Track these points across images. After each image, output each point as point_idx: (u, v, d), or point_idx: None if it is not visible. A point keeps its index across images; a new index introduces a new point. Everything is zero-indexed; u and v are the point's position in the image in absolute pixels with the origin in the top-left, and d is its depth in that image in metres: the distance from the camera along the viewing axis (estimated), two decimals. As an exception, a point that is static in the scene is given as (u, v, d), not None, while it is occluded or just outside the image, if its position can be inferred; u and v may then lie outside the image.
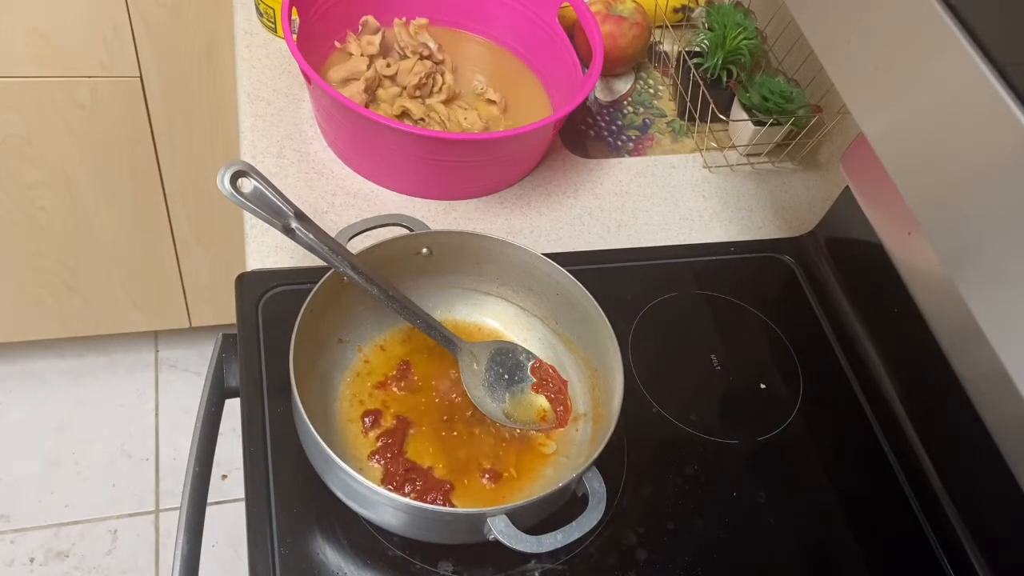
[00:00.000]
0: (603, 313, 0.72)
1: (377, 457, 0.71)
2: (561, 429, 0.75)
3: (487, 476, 0.71)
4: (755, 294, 0.92)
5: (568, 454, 0.74)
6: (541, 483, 0.72)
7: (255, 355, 0.77)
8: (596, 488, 0.65)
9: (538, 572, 0.71)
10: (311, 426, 0.63)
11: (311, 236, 0.69)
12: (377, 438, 0.72)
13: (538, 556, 0.71)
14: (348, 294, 0.73)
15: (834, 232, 0.94)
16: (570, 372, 0.78)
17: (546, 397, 0.76)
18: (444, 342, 0.75)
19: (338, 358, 0.76)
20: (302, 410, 0.63)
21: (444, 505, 0.69)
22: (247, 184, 0.68)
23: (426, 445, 0.73)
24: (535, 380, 0.76)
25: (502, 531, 0.62)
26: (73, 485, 1.61)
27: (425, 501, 0.69)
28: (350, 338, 0.76)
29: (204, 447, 0.76)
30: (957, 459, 0.78)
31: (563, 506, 0.68)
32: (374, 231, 0.77)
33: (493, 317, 0.81)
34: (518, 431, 0.74)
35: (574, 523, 0.63)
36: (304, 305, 0.69)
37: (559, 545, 0.63)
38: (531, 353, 0.78)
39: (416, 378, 0.76)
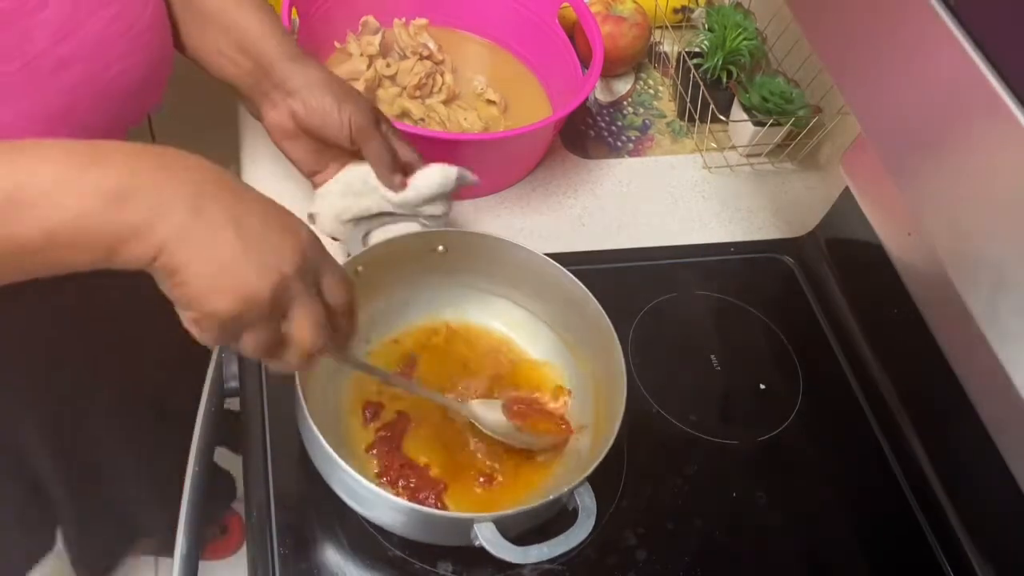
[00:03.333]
0: (611, 323, 0.71)
1: (375, 450, 0.71)
2: (566, 438, 0.75)
3: (482, 479, 0.71)
4: (755, 295, 0.92)
5: (567, 464, 0.74)
6: (535, 492, 0.71)
7: (255, 355, 0.77)
8: (587, 504, 0.65)
9: (537, 572, 0.71)
10: (309, 415, 0.62)
11: None
12: (376, 431, 0.72)
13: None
14: (369, 277, 0.73)
15: (834, 233, 0.94)
16: (574, 382, 0.78)
17: (539, 423, 0.75)
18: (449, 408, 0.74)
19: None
20: (302, 399, 0.63)
21: (436, 504, 0.69)
22: None
23: (425, 443, 0.73)
24: (519, 424, 0.74)
25: (488, 539, 0.61)
26: (73, 485, 1.60)
27: (417, 499, 0.68)
28: None
29: (204, 447, 0.76)
30: (957, 459, 0.78)
31: (554, 516, 0.68)
32: (387, 227, 0.77)
33: (502, 322, 0.81)
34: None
35: (561, 536, 0.63)
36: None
37: (543, 558, 0.62)
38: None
39: (420, 376, 0.76)
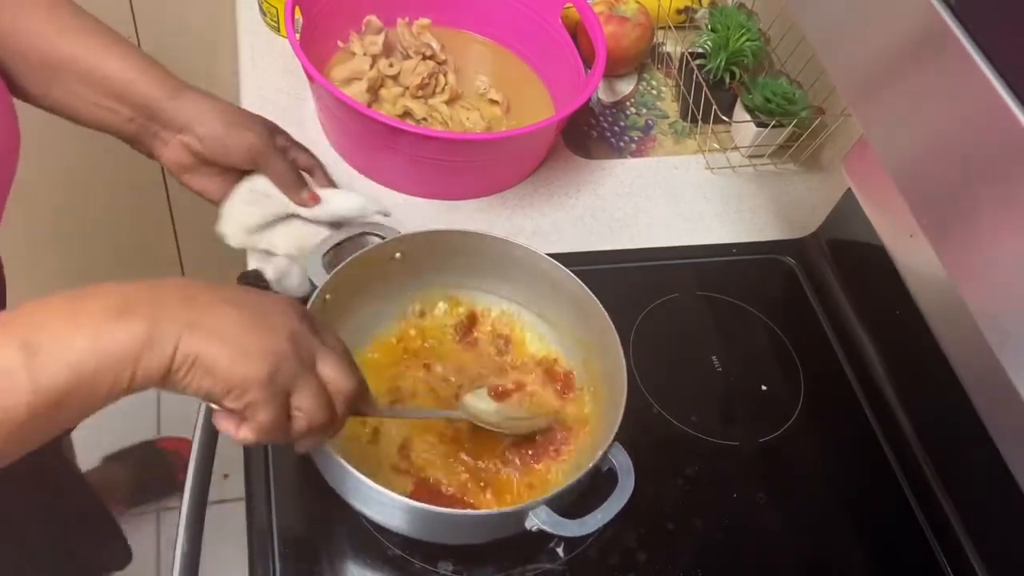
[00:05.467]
0: (611, 323, 0.72)
1: (392, 468, 0.71)
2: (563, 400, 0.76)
3: (496, 469, 0.71)
4: (757, 296, 0.92)
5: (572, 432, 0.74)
6: (557, 467, 0.72)
7: (256, 354, 0.77)
8: (623, 462, 0.66)
9: (539, 572, 0.71)
10: (335, 452, 0.62)
11: None
12: (383, 446, 0.72)
13: (538, 557, 0.71)
14: (338, 302, 0.73)
15: (836, 234, 0.93)
16: (561, 350, 0.79)
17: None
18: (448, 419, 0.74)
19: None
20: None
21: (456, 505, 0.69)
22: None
23: (431, 452, 0.72)
24: (510, 402, 0.75)
25: (545, 521, 0.62)
26: (74, 483, 1.60)
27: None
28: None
29: (204, 447, 0.76)
30: (957, 460, 0.78)
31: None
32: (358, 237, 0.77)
33: (479, 312, 0.81)
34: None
35: (609, 500, 0.64)
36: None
37: (600, 524, 0.63)
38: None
39: (411, 381, 0.76)
